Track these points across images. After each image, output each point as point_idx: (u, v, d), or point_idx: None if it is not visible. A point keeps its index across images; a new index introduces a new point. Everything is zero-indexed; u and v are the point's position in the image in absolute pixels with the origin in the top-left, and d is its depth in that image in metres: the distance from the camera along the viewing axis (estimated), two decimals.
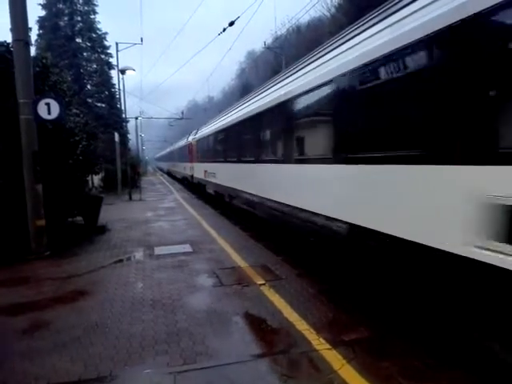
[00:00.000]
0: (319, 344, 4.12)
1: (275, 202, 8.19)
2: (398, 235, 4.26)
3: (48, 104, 8.06)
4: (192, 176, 23.81)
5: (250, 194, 10.16)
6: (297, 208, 7.01)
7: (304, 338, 4.26)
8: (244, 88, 55.29)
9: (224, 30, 14.66)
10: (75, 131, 10.12)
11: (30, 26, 8.40)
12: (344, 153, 5.37)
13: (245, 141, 10.94)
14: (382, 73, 4.56)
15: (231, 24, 14.37)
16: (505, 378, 3.39)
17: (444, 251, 3.57)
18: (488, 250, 3.15)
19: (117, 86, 33.31)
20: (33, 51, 9.55)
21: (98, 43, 37.20)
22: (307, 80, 6.58)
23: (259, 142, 9.53)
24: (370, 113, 4.83)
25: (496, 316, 3.35)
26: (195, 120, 53.88)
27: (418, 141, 3.97)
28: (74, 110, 10.76)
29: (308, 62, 6.93)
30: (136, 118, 40.95)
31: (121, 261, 7.80)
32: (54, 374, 3.68)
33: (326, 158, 5.89)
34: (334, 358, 3.83)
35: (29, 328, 4.73)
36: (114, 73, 37.69)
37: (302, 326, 4.58)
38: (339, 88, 5.47)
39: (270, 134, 8.84)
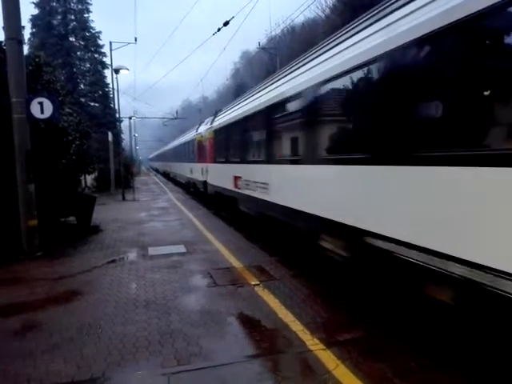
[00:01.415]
0: (314, 344, 4.12)
1: (184, 176, 25.18)
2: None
3: (41, 103, 8.00)
4: (166, 170, 45.93)
5: (178, 173, 29.59)
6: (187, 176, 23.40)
7: (298, 339, 4.26)
8: (238, 88, 55.17)
9: (219, 29, 14.65)
10: (68, 130, 10.06)
11: (22, 24, 8.35)
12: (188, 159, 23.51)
13: (174, 154, 32.73)
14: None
15: (226, 24, 14.36)
16: (500, 378, 3.42)
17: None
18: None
19: (110, 86, 33.17)
20: (26, 50, 9.50)
21: (91, 42, 37.01)
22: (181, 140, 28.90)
23: (178, 155, 28.98)
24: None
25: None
26: (189, 120, 53.74)
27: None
28: (67, 110, 10.69)
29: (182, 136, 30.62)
30: (130, 118, 40.73)
31: (114, 261, 7.75)
32: (46, 375, 3.65)
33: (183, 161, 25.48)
34: (328, 358, 3.84)
35: (21, 329, 4.69)
36: (107, 72, 37.52)
37: (297, 326, 4.58)
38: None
39: (179, 153, 27.93)
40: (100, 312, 5.13)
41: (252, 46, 57.49)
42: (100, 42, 37.42)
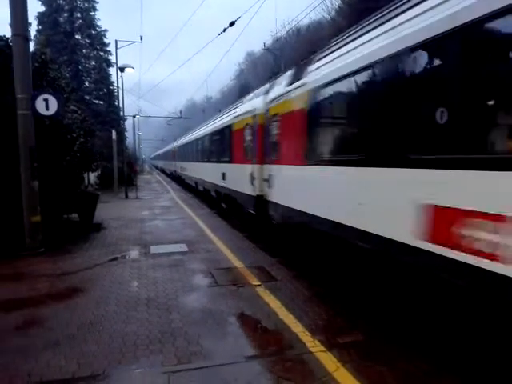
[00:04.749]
0: (314, 346, 4.11)
1: (173, 169, 40.51)
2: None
3: (46, 100, 8.02)
4: (159, 166, 71.07)
5: (168, 168, 48.94)
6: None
7: (299, 340, 4.25)
8: (242, 88, 55.18)
9: (224, 30, 14.63)
10: (73, 128, 10.09)
11: (29, 21, 8.37)
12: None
13: (164, 156, 58.78)
14: None
15: (232, 24, 14.33)
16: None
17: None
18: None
19: (115, 84, 33.28)
20: (32, 47, 9.52)
21: (97, 40, 37.18)
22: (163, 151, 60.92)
23: (165, 157, 53.60)
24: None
25: None
26: (193, 120, 53.82)
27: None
28: (72, 107, 10.71)
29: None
30: (134, 116, 40.77)
31: (116, 259, 7.77)
32: (47, 371, 3.66)
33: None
34: (328, 360, 3.83)
35: (22, 325, 4.70)
36: (112, 70, 37.72)
37: (298, 327, 4.57)
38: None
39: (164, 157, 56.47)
40: (101, 309, 5.14)
41: (257, 47, 57.54)
42: (106, 41, 37.61)
